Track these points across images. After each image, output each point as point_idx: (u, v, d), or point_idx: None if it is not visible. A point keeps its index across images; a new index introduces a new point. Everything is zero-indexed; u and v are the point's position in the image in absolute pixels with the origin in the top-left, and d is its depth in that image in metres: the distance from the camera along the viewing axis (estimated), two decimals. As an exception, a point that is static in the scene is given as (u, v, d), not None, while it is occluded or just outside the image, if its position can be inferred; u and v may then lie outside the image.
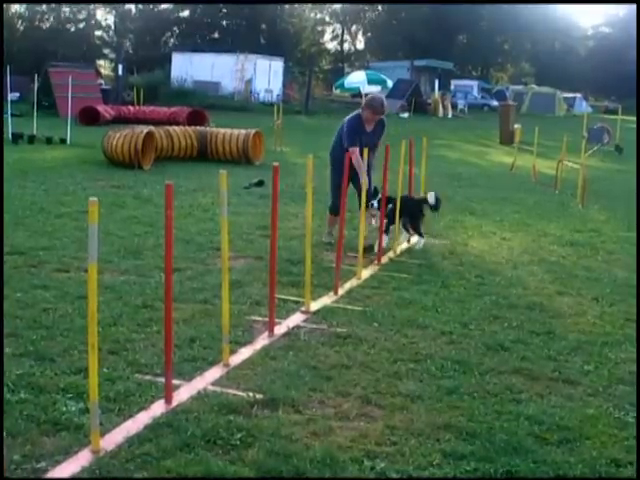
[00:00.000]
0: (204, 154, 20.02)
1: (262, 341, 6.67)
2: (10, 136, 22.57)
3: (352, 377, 5.95)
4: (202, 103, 40.90)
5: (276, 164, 6.74)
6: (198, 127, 22.04)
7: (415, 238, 10.83)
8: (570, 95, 73.41)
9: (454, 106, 60.50)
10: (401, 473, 4.53)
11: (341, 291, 8.26)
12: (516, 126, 25.18)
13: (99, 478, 4.36)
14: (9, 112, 24.32)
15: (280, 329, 6.96)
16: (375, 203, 10.26)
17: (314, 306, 7.65)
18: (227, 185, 6.08)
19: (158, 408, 5.23)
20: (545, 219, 13.69)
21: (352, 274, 8.88)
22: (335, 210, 10.28)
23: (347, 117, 10.53)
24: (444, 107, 56.74)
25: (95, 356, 4.53)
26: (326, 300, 7.95)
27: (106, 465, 4.48)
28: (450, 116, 55.98)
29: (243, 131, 20.24)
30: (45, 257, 9.07)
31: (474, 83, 76.61)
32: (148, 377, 5.68)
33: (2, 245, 7.58)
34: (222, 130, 20.70)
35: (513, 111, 34.32)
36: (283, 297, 7.74)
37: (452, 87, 71.30)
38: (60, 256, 9.13)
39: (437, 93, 59.56)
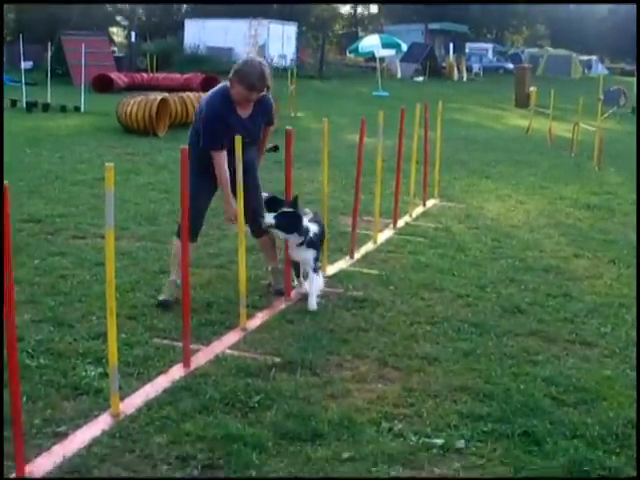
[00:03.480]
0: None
1: (279, 305, 6.71)
2: (24, 105, 22.57)
3: (369, 340, 5.98)
4: (215, 69, 40.64)
5: (290, 129, 6.74)
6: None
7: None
8: (586, 57, 72.83)
9: (469, 69, 60.12)
10: (419, 434, 4.56)
11: (357, 255, 8.28)
12: (532, 89, 24.99)
13: (119, 441, 4.40)
14: (23, 81, 24.31)
15: (297, 294, 6.98)
16: (271, 219, 6.64)
17: (330, 270, 7.67)
18: (241, 151, 6.08)
19: (177, 372, 5.27)
20: (561, 182, 13.64)
21: (368, 238, 8.88)
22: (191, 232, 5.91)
23: (208, 94, 6.77)
24: (459, 70, 56.39)
25: (114, 321, 4.56)
26: (342, 264, 7.97)
27: (126, 428, 4.52)
28: (465, 79, 55.64)
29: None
30: (62, 224, 9.11)
31: (489, 46, 76.05)
32: (166, 341, 5.72)
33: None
34: (236, 96, 20.62)
35: (528, 74, 34.10)
36: (299, 261, 7.76)
37: (467, 50, 70.74)
38: (76, 223, 9.16)
39: (452, 56, 59.17)
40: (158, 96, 18.51)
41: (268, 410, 4.77)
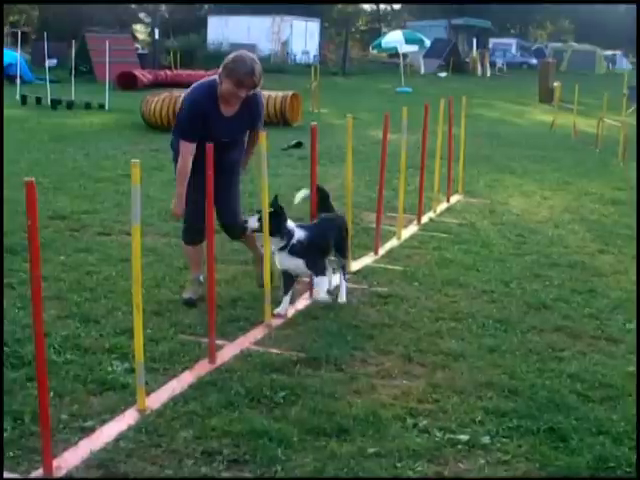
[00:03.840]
0: (242, 117, 19.99)
1: (303, 301, 6.72)
2: (49, 102, 22.70)
3: (393, 336, 5.98)
4: (239, 66, 40.75)
5: (314, 124, 6.74)
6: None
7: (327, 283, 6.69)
8: (610, 52, 72.38)
9: (492, 65, 59.89)
10: (444, 430, 4.56)
11: (381, 251, 8.27)
12: (556, 84, 24.87)
13: (145, 436, 4.42)
14: (47, 78, 24.46)
15: (321, 289, 6.99)
16: (254, 222, 6.36)
17: (355, 266, 7.67)
18: (268, 147, 6.09)
19: (202, 368, 5.30)
20: (586, 177, 13.58)
21: (392, 234, 8.88)
22: (192, 236, 6.65)
23: (192, 86, 6.40)
24: (482, 66, 56.18)
25: (140, 317, 4.59)
26: (367, 260, 7.97)
27: (152, 423, 4.55)
28: (488, 75, 55.44)
29: (280, 93, 20.19)
30: (87, 221, 9.16)
31: (513, 41, 75.76)
32: (192, 337, 5.74)
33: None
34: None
35: (553, 69, 33.92)
36: (324, 258, 7.77)
37: (490, 45, 70.50)
38: (102, 220, 9.21)
39: (475, 52, 58.97)
40: (182, 93, 18.54)
41: (293, 405, 4.79)
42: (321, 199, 6.88)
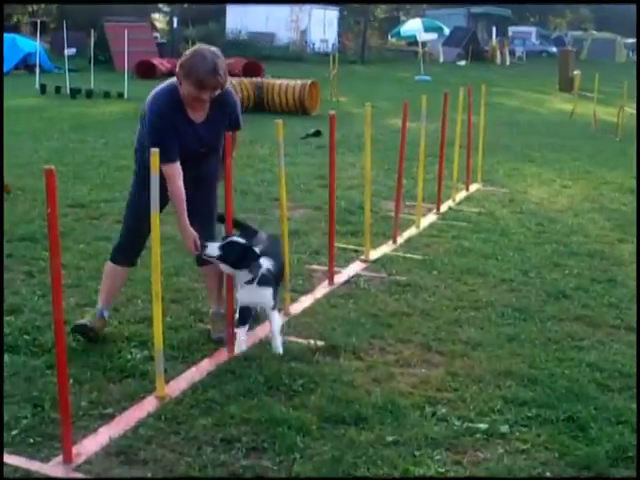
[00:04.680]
0: (260, 105, 20.01)
1: (322, 290, 6.72)
2: (68, 91, 22.76)
3: (412, 324, 5.97)
4: (257, 54, 40.82)
5: (333, 113, 6.73)
6: (254, 78, 22.00)
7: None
8: (630, 40, 71.88)
9: (512, 53, 59.63)
10: (463, 419, 4.55)
11: (400, 240, 8.26)
12: (575, 72, 24.75)
13: (164, 423, 4.44)
14: (66, 67, 24.52)
15: (340, 278, 7.00)
16: (215, 250, 5.31)
17: (373, 255, 7.67)
18: (284, 136, 6.08)
19: (221, 355, 5.32)
20: (606, 166, 13.51)
21: (411, 223, 8.87)
22: (125, 255, 5.72)
23: (151, 93, 5.38)
24: (502, 54, 55.94)
25: (159, 305, 4.60)
26: (385, 249, 7.96)
27: (171, 411, 4.56)
28: (508, 63, 55.18)
29: (299, 82, 20.19)
30: (106, 209, 9.19)
31: (532, 29, 75.35)
32: (210, 326, 5.75)
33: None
34: (278, 81, 20.67)
35: (572, 57, 33.74)
36: (342, 246, 7.78)
37: (510, 34, 70.17)
38: (121, 208, 9.09)
39: (494, 40, 58.70)
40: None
41: (312, 393, 4.79)
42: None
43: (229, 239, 5.34)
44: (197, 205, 5.44)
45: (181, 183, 5.23)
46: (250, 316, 5.56)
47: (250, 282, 5.38)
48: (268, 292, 5.44)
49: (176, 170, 5.22)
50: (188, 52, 5.19)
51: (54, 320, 4.00)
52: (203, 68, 5.04)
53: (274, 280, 5.54)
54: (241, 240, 5.38)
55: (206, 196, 5.62)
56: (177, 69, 5.17)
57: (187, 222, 5.28)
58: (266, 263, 5.46)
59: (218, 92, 5.22)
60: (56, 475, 3.93)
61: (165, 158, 4.99)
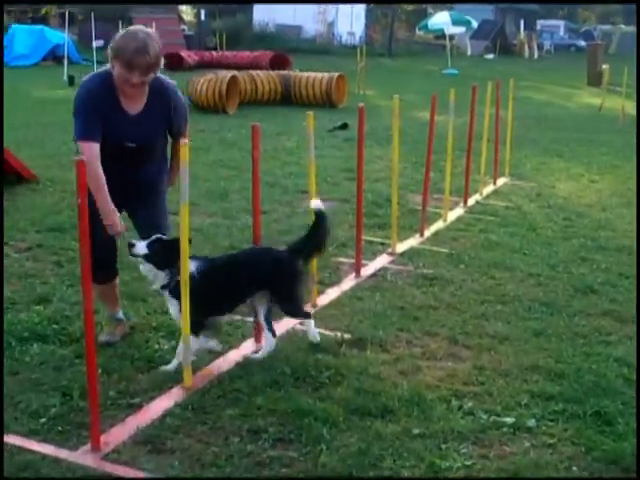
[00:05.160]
0: (287, 98, 20.03)
1: (349, 282, 6.73)
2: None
3: (439, 318, 5.97)
4: (284, 47, 40.82)
5: (361, 105, 6.73)
6: (281, 71, 22.03)
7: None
8: (661, 34, 71.27)
9: (540, 47, 59.29)
10: (489, 413, 4.55)
11: (427, 233, 8.25)
12: (604, 67, 24.57)
13: (191, 413, 4.46)
14: (94, 59, 24.60)
15: (366, 270, 7.00)
16: (142, 247, 4.93)
17: (400, 248, 7.67)
18: (312, 127, 6.08)
19: (248, 347, 5.34)
20: (634, 161, 13.39)
21: (438, 216, 8.85)
22: (96, 272, 4.21)
23: (83, 79, 5.11)
24: (530, 48, 55.65)
25: (187, 295, 4.62)
26: (412, 242, 7.96)
27: (198, 401, 4.59)
28: (536, 57, 54.90)
29: (326, 74, 20.18)
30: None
31: (560, 23, 74.84)
32: (237, 316, 5.76)
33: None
34: (305, 74, 20.67)
35: (601, 51, 33.49)
36: (369, 239, 7.78)
37: (538, 27, 69.75)
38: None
39: (523, 34, 58.40)
40: (228, 74, 18.60)
41: (338, 386, 4.80)
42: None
43: (157, 236, 4.95)
44: (145, 220, 5.17)
45: (99, 167, 4.75)
46: (201, 326, 4.97)
47: (164, 288, 4.97)
48: (174, 305, 4.93)
49: (93, 151, 4.75)
50: (121, 32, 4.89)
51: (84, 310, 4.03)
52: (132, 47, 4.72)
53: (193, 294, 4.67)
54: (171, 238, 4.94)
55: (152, 209, 5.18)
56: (109, 51, 4.85)
57: (107, 198, 4.79)
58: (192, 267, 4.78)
59: (151, 76, 4.83)
60: (84, 463, 3.96)
61: (83, 135, 4.77)
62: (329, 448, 4.14)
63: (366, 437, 4.26)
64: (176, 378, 4.83)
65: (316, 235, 5.43)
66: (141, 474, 3.90)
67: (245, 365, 5.05)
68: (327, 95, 19.70)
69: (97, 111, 4.83)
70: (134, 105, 4.96)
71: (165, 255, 4.87)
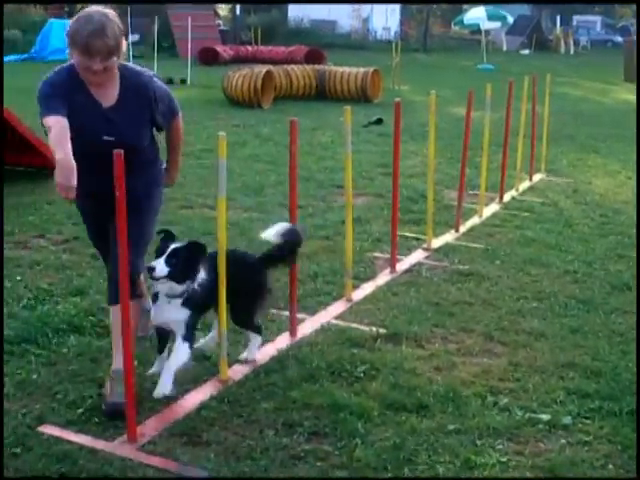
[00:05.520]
0: (322, 93, 20.02)
1: (384, 277, 6.72)
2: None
3: (474, 314, 5.95)
4: (319, 42, 40.78)
5: (398, 100, 6.72)
6: (316, 66, 22.02)
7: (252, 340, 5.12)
8: (699, 30, 70.56)
9: (576, 42, 58.82)
10: (525, 409, 4.53)
11: (462, 229, 8.23)
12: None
13: (227, 406, 4.48)
14: (130, 53, 24.70)
15: (402, 266, 6.99)
16: (162, 268, 4.46)
17: (435, 243, 7.65)
18: (350, 121, 6.07)
19: (283, 341, 5.35)
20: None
21: (473, 212, 8.82)
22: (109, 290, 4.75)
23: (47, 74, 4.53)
24: (566, 43, 55.19)
25: (224, 290, 4.64)
26: (447, 238, 7.94)
27: (234, 394, 4.61)
28: (572, 53, 54.46)
29: (361, 69, 20.15)
30: (170, 194, 9.15)
31: (597, 18, 74.22)
32: (272, 310, 5.78)
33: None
34: (340, 69, 20.65)
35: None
36: (404, 234, 7.76)
37: (574, 23, 69.22)
38: (184, 193, 9.31)
39: (559, 29, 57.96)
40: (263, 69, 18.63)
41: (374, 380, 4.81)
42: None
43: (172, 248, 4.53)
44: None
45: (64, 124, 4.22)
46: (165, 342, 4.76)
47: (177, 297, 4.55)
48: (184, 314, 4.58)
49: (62, 122, 4.23)
50: (75, 19, 4.38)
51: (121, 304, 4.04)
52: (87, 30, 4.25)
53: (199, 302, 4.61)
54: (184, 244, 4.62)
55: (132, 220, 4.15)
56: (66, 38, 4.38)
57: (68, 155, 4.12)
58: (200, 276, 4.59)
59: (114, 60, 4.36)
60: (121, 454, 3.99)
61: (46, 111, 4.28)
62: (364, 442, 4.14)
63: (401, 432, 4.25)
64: (212, 371, 4.85)
65: (285, 245, 5.09)
66: (176, 466, 3.92)
67: (280, 359, 5.06)
68: (362, 90, 19.67)
69: (63, 98, 4.33)
70: (106, 96, 4.49)
71: (185, 267, 4.50)
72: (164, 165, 5.09)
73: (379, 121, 15.87)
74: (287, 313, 5.53)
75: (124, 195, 3.85)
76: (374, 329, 5.54)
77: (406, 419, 4.39)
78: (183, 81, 23.28)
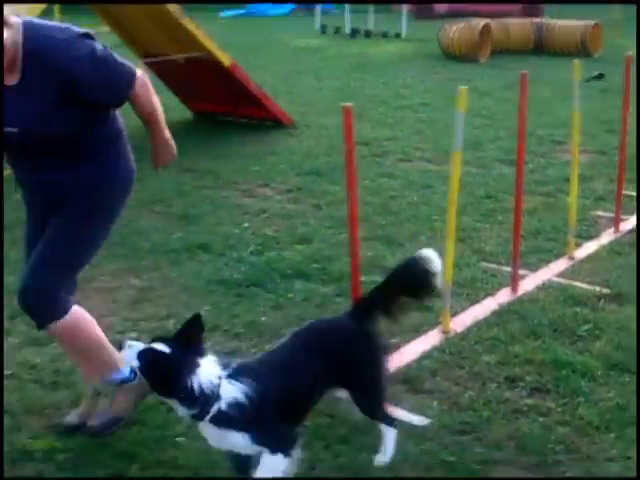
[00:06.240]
0: (539, 47, 19.55)
1: (607, 236, 6.57)
2: (348, 31, 23.24)
3: None
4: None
5: (630, 54, 6.52)
6: (534, 19, 21.49)
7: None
8: None
9: None
10: None
11: None
12: None
13: (449, 357, 4.55)
14: (346, 8, 24.88)
15: (626, 225, 6.80)
16: (134, 360, 3.12)
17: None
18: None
19: (504, 296, 5.35)
20: None
21: None
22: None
23: None
24: None
25: (452, 240, 4.70)
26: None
27: (455, 345, 4.67)
28: None
29: (582, 22, 19.51)
30: (388, 147, 9.38)
31: None
32: (493, 265, 5.79)
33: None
34: (559, 22, 20.07)
35: None
36: (629, 193, 7.51)
37: None
38: (402, 147, 9.40)
39: None
40: (480, 22, 18.37)
41: (597, 340, 4.73)
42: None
43: (148, 346, 3.14)
44: (34, 251, 3.68)
45: None
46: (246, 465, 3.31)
47: (197, 417, 3.14)
48: (235, 437, 3.14)
49: None
50: None
51: (351, 251, 4.17)
52: None
53: (253, 419, 3.12)
54: (164, 349, 3.09)
55: (46, 238, 3.62)
56: None
57: None
58: (231, 393, 3.10)
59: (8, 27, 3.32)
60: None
61: None
62: (587, 401, 4.10)
63: (625, 393, 4.18)
64: (432, 321, 4.92)
65: (402, 277, 3.63)
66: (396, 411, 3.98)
67: (502, 313, 5.07)
68: (582, 44, 19.07)
69: None
70: (8, 74, 3.38)
71: (156, 374, 3.11)
72: (130, 162, 3.82)
73: (600, 76, 15.37)
74: (508, 269, 5.52)
75: (352, 148, 3.94)
76: (597, 288, 5.44)
77: (630, 380, 4.31)
78: (398, 35, 23.27)
